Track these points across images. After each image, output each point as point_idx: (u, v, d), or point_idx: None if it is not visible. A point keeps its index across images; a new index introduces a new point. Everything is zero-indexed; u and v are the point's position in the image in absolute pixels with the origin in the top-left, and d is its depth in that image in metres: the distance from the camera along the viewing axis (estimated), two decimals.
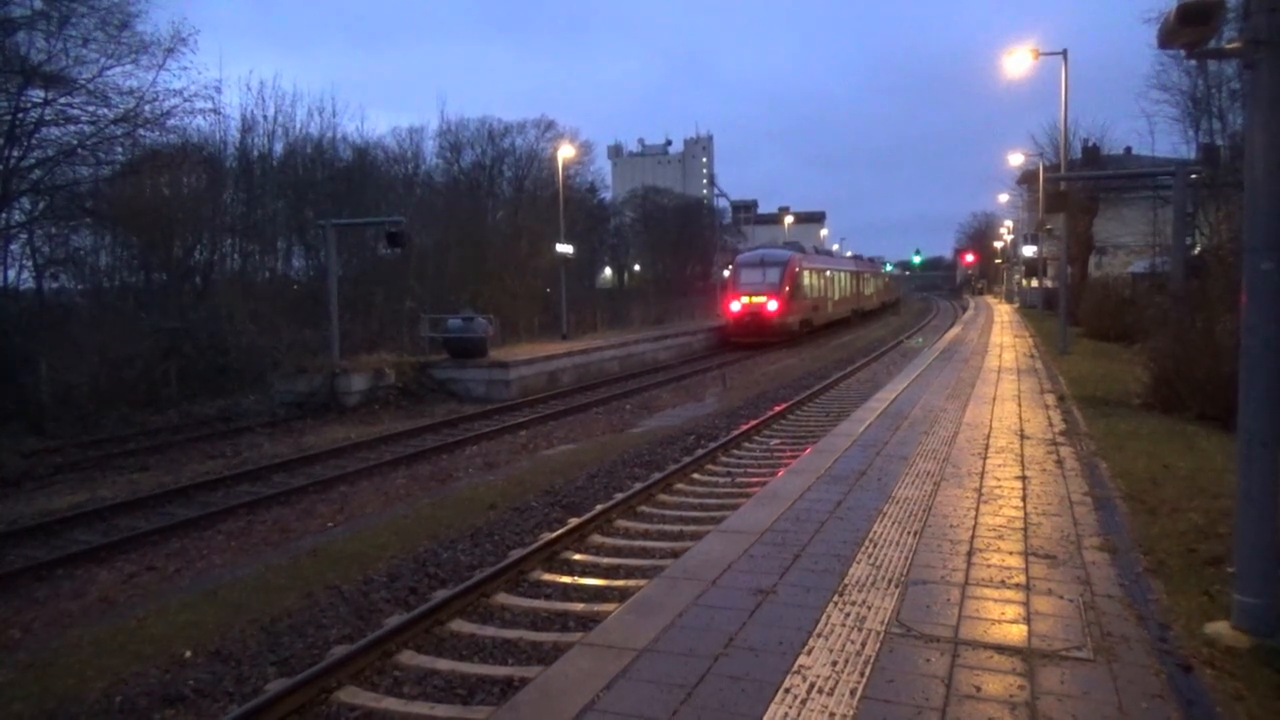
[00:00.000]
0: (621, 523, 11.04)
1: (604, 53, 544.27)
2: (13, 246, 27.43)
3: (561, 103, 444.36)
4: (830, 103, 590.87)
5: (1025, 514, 7.76)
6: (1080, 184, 37.43)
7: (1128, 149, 50.39)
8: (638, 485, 12.51)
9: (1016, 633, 5.24)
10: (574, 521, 10.68)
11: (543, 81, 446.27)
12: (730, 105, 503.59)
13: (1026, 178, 51.16)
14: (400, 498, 13.48)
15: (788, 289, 40.97)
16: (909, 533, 7.19)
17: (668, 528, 10.78)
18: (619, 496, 11.82)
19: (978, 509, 7.93)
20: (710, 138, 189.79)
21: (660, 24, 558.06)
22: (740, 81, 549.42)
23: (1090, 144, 46.29)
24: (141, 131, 26.72)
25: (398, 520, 11.66)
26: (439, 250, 40.24)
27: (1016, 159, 49.70)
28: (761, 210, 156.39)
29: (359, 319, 32.60)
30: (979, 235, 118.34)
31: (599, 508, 11.27)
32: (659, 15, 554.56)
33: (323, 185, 39.01)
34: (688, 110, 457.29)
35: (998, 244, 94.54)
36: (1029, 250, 49.33)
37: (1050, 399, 15.48)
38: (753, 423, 17.50)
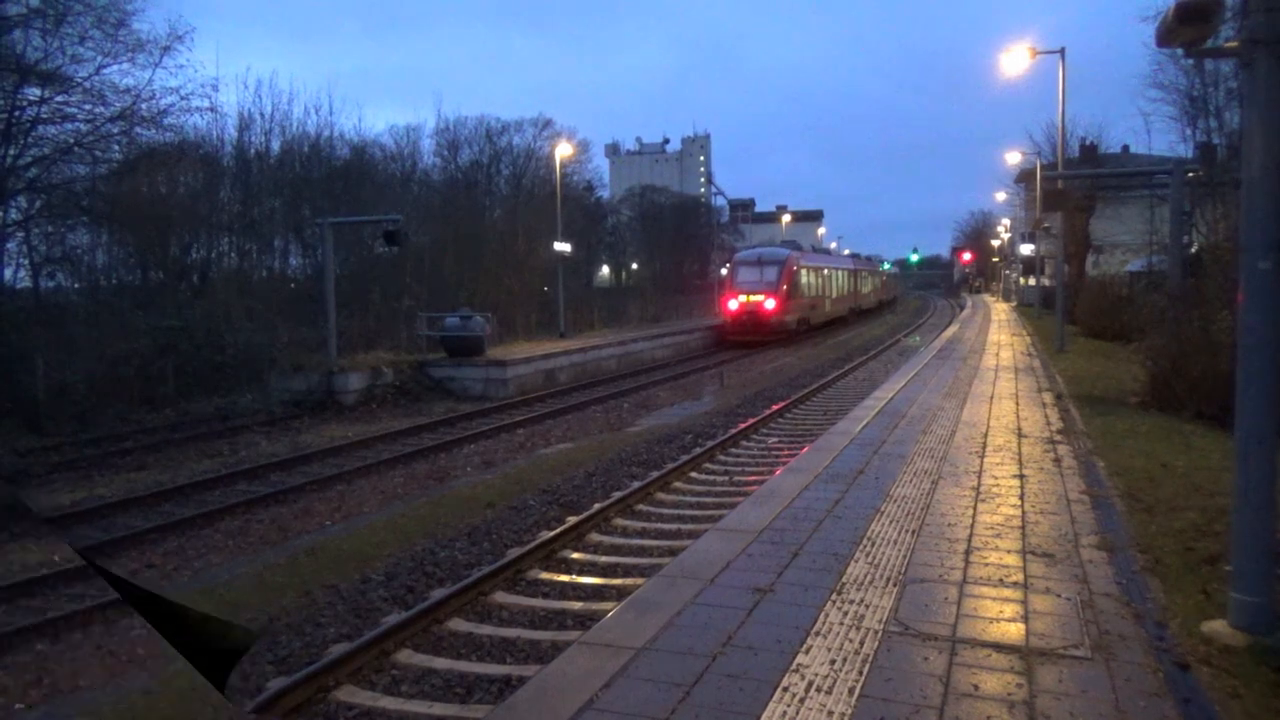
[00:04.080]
0: (619, 521, 11.01)
1: (624, 40, 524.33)
2: (9, 245, 27.35)
3: (571, 94, 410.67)
4: (853, 99, 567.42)
5: (1023, 512, 7.74)
6: (1077, 182, 37.17)
7: (1125, 147, 50.11)
8: (636, 484, 12.48)
9: (1014, 631, 5.24)
10: (572, 520, 10.64)
11: (555, 70, 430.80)
12: (751, 98, 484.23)
13: (1024, 176, 50.06)
14: (398, 496, 13.42)
15: (785, 288, 41.02)
16: (907, 531, 7.16)
17: (665, 526, 10.75)
18: (617, 495, 11.79)
19: (975, 507, 7.91)
20: (708, 136, 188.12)
21: (687, 10, 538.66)
22: (764, 73, 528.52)
23: (1088, 142, 45.89)
24: (138, 130, 26.66)
25: (395, 519, 11.61)
26: (436, 249, 40.14)
27: (1014, 157, 48.89)
28: (759, 209, 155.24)
29: (356, 317, 32.42)
30: (976, 234, 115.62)
31: (597, 506, 11.25)
32: (687, 1, 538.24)
33: (319, 183, 38.79)
34: (704, 102, 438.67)
35: (995, 242, 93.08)
36: (1026, 249, 49.05)
37: (1048, 397, 15.45)
38: (750, 421, 17.49)
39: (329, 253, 27.48)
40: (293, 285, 37.61)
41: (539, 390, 25.58)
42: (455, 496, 12.79)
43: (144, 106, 26.07)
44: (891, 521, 7.45)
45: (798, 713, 4.30)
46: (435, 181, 52.72)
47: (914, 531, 7.14)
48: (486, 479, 14.03)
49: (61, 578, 10.91)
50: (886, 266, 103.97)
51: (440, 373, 25.62)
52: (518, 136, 62.16)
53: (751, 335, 39.96)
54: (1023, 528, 7.28)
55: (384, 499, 13.29)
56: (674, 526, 10.72)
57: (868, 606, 5.63)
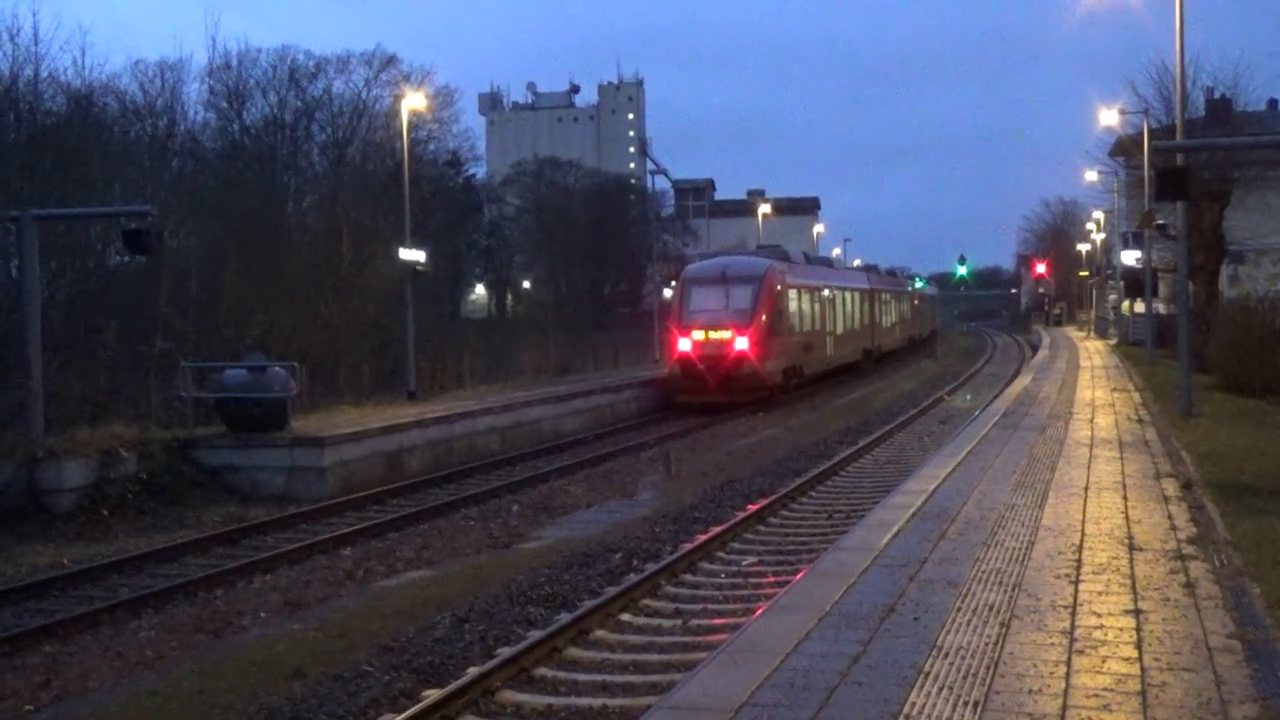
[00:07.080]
0: (509, 696, 8.75)
1: None
2: None
3: (424, 15, 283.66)
4: (869, 22, 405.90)
5: (1142, 670, 6.25)
6: (1205, 156, 28.43)
7: (1273, 102, 41.00)
8: (534, 634, 10.05)
9: None
10: (432, 696, 8.37)
11: None
12: (708, 19, 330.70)
13: (1124, 147, 38.87)
14: (146, 661, 10.57)
15: (764, 318, 32.01)
16: (965, 704, 5.75)
17: (582, 703, 8.59)
18: (505, 653, 9.48)
19: (1070, 664, 6.40)
20: (640, 84, 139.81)
21: None
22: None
23: (1218, 95, 36.25)
24: None
25: (141, 699, 9.11)
26: (209, 258, 31.90)
27: (1109, 117, 37.46)
28: (723, 195, 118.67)
29: (77, 369, 25.32)
30: (1054, 234, 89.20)
31: (473, 673, 8.84)
32: None
33: (16, 152, 29.53)
34: (634, 30, 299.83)
35: (1083, 247, 71.91)
36: (1130, 257, 38.42)
37: (1170, 487, 13.28)
38: (714, 531, 14.48)
39: (31, 265, 21.01)
40: None
41: (377, 485, 20.36)
42: (241, 660, 10.09)
43: None
44: (941, 689, 5.97)
45: None
46: (208, 151, 41.74)
47: (976, 705, 5.73)
48: (292, 630, 11.18)
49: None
50: (920, 285, 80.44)
51: (216, 458, 20.50)
52: (341, 81, 48.27)
53: (713, 393, 31.26)
54: (1143, 695, 5.80)
55: (123, 666, 10.37)
56: (597, 702, 8.40)
57: None
